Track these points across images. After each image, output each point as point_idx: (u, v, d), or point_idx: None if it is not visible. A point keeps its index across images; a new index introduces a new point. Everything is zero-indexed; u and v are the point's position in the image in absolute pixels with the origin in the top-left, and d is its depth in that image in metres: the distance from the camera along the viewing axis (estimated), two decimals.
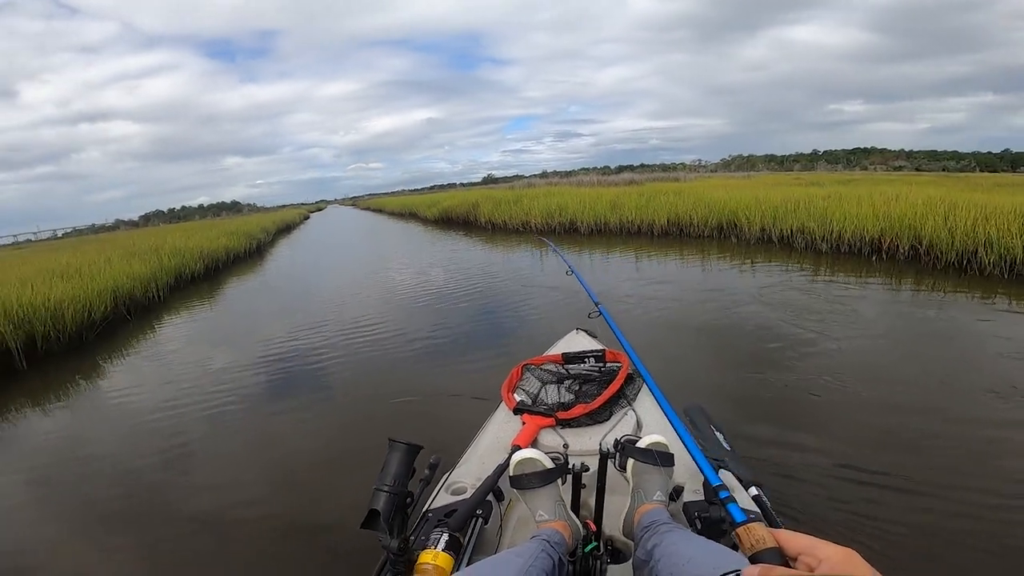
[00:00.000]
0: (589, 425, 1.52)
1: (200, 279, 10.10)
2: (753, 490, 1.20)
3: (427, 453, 1.10)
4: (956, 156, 48.97)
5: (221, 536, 2.18)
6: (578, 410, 1.55)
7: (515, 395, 1.72)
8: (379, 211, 34.79)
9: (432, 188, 71.27)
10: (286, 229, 25.82)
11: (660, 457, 1.11)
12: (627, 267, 7.44)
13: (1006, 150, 50.00)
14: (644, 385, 1.56)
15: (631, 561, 1.05)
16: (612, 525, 1.19)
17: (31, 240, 57.10)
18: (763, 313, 4.59)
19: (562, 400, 1.70)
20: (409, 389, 3.47)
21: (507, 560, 0.92)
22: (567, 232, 11.49)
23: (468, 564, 1.06)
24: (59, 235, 62.75)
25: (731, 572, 0.72)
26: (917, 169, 38.91)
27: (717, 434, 1.50)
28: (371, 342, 4.65)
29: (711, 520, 1.10)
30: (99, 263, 8.56)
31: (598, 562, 1.09)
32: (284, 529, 2.16)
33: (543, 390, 1.78)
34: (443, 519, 1.10)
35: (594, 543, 1.10)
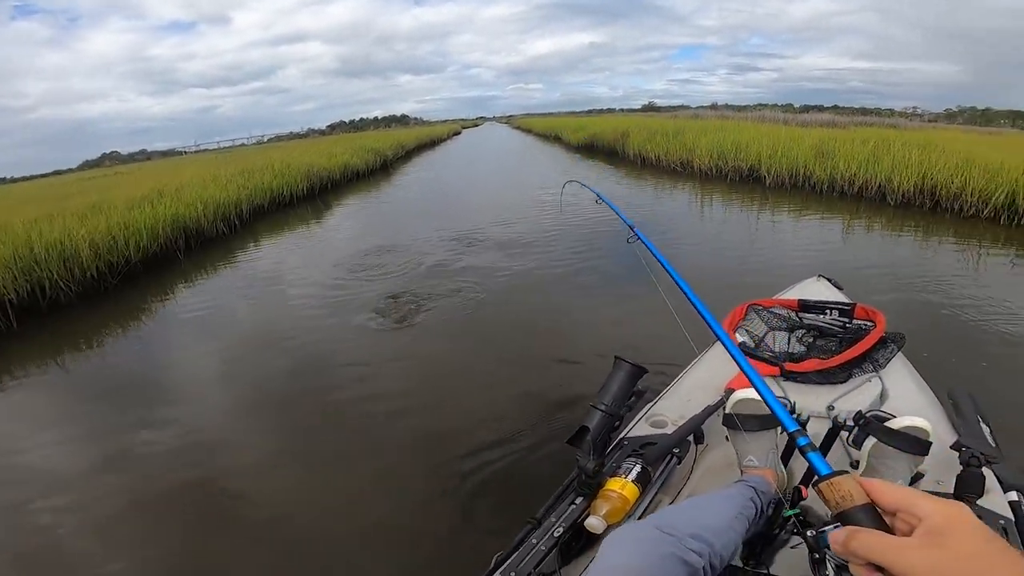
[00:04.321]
0: (819, 384, 1.37)
1: (301, 200, 9.37)
2: (1013, 495, 1.00)
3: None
4: None
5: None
6: (811, 364, 1.39)
7: (737, 335, 1.62)
8: (528, 131, 32.83)
9: (589, 112, 66.63)
10: (430, 144, 25.24)
11: (914, 444, 0.96)
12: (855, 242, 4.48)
13: None
14: (899, 353, 1.43)
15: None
16: (814, 497, 1.00)
17: (244, 144, 66.76)
18: None
19: (791, 350, 1.55)
20: (545, 314, 3.40)
21: (717, 503, 0.88)
22: (743, 181, 8.23)
23: (652, 501, 1.04)
24: (264, 140, 72.55)
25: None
26: None
27: (983, 427, 1.18)
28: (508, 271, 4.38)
29: None
30: (198, 182, 8.05)
31: (781, 531, 0.96)
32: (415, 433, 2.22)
33: (770, 335, 1.63)
34: (638, 450, 1.10)
35: (797, 510, 0.90)
